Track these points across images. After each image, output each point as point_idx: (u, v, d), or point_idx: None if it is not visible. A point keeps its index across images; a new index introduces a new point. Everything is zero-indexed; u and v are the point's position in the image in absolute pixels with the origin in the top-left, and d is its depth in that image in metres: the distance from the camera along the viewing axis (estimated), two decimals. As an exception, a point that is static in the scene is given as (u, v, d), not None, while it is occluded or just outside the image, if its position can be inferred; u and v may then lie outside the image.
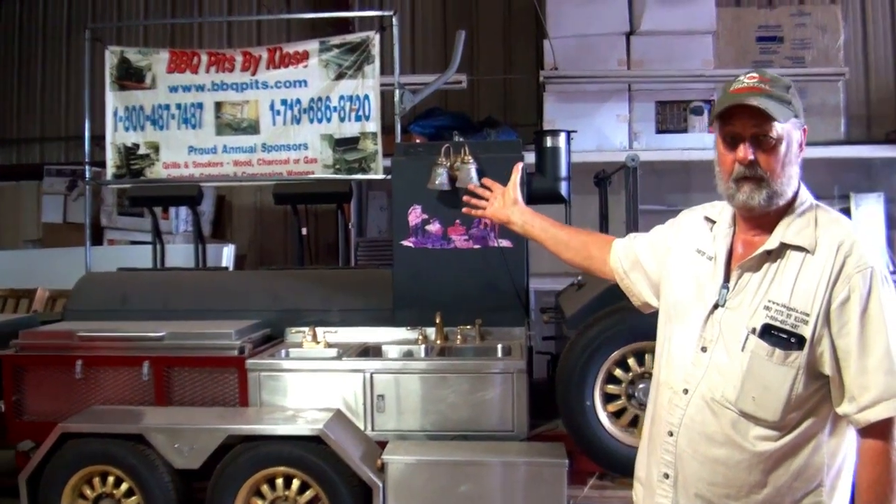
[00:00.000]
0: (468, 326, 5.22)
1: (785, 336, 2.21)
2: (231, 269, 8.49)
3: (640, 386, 4.35)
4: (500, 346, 5.14)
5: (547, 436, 4.74)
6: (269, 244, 10.15)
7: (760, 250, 2.30)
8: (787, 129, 2.25)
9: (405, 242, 5.37)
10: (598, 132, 8.11)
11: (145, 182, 6.69)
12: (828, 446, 2.26)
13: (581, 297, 5.05)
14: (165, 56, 6.59)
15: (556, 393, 4.46)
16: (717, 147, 2.35)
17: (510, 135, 8.31)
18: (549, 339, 6.11)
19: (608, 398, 4.40)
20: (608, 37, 8.18)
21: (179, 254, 8.20)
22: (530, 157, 5.57)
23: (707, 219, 2.53)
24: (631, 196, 4.60)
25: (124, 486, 4.63)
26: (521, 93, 9.65)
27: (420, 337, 5.24)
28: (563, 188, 5.57)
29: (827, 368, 2.19)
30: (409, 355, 5.17)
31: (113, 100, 6.65)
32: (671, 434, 2.39)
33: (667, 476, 2.41)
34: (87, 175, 6.91)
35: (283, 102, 6.46)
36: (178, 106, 6.55)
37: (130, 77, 6.60)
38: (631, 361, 4.37)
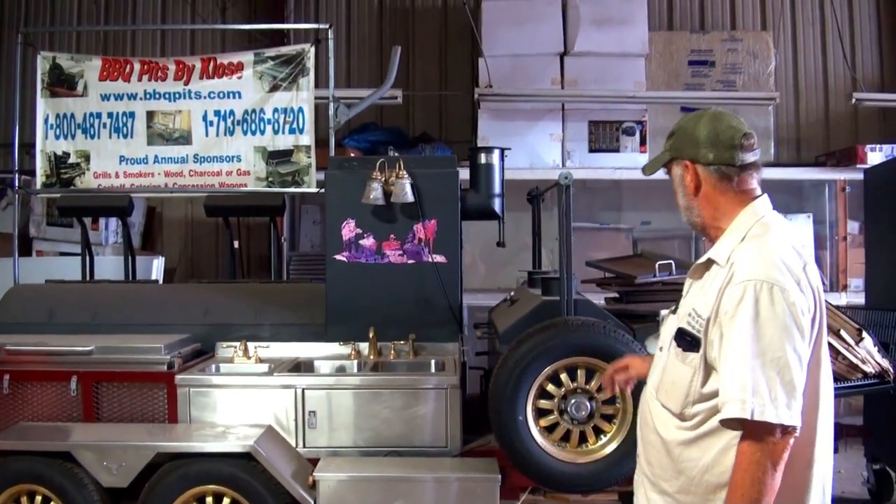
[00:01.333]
0: (402, 342, 5.22)
1: (689, 339, 2.49)
2: (161, 282, 8.35)
3: (573, 401, 4.38)
4: (433, 362, 5.14)
5: (480, 451, 4.75)
6: (200, 257, 10.01)
7: (695, 264, 2.64)
8: (673, 170, 2.70)
9: (338, 257, 5.35)
10: (532, 150, 8.20)
11: (75, 192, 6.57)
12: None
13: (514, 313, 5.09)
14: (98, 63, 6.49)
15: (489, 408, 4.47)
16: None
17: (445, 151, 8.36)
18: (483, 355, 6.13)
19: (540, 413, 4.43)
20: (542, 57, 8.29)
21: (109, 266, 8.04)
22: (465, 174, 5.60)
23: None
24: (564, 213, 4.65)
25: (52, 506, 4.52)
26: (456, 110, 9.70)
27: (353, 352, 5.22)
28: (497, 205, 5.61)
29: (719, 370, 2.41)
30: (341, 371, 5.15)
31: (44, 106, 6.53)
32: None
33: (637, 455, 2.81)
34: (16, 183, 6.75)
35: (217, 113, 6.41)
36: (110, 114, 6.45)
37: (62, 84, 6.49)
38: (563, 377, 4.40)
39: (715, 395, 2.40)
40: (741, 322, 2.32)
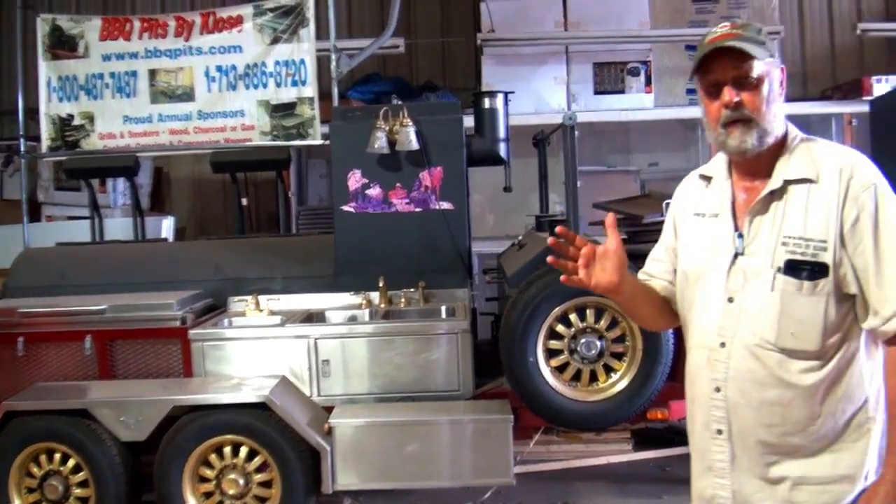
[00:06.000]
0: (412, 289, 5.24)
1: (808, 267, 2.27)
2: (171, 241, 8.38)
3: (582, 340, 4.41)
4: (443, 308, 5.17)
5: (492, 394, 4.80)
6: (209, 216, 10.03)
7: (765, 192, 2.35)
8: (767, 68, 2.33)
9: (345, 207, 5.35)
10: (536, 95, 8.13)
11: (81, 154, 6.58)
12: (867, 364, 2.34)
13: (522, 256, 5.10)
14: (98, 23, 6.47)
15: (500, 350, 4.51)
16: (701, 101, 2.42)
17: (449, 99, 8.30)
18: (493, 300, 6.16)
19: (551, 354, 4.46)
20: (545, -2, 8.18)
21: (118, 227, 8.06)
22: (469, 121, 5.58)
23: (702, 177, 2.58)
24: (569, 154, 4.63)
25: (71, 463, 4.58)
26: (460, 57, 9.63)
27: (364, 301, 5.24)
28: (503, 149, 5.59)
29: (852, 288, 2.27)
30: (353, 320, 5.18)
31: (46, 70, 6.52)
32: (718, 390, 2.40)
33: (720, 432, 2.41)
34: (22, 149, 6.76)
35: (219, 69, 6.39)
36: (112, 74, 6.44)
37: (63, 46, 6.47)
38: (573, 317, 4.42)
39: (844, 318, 2.31)
40: (890, 226, 2.25)
